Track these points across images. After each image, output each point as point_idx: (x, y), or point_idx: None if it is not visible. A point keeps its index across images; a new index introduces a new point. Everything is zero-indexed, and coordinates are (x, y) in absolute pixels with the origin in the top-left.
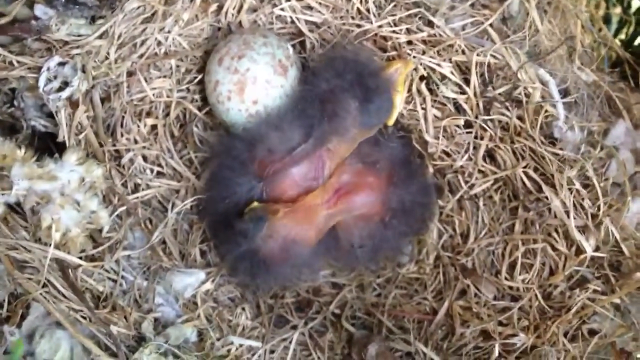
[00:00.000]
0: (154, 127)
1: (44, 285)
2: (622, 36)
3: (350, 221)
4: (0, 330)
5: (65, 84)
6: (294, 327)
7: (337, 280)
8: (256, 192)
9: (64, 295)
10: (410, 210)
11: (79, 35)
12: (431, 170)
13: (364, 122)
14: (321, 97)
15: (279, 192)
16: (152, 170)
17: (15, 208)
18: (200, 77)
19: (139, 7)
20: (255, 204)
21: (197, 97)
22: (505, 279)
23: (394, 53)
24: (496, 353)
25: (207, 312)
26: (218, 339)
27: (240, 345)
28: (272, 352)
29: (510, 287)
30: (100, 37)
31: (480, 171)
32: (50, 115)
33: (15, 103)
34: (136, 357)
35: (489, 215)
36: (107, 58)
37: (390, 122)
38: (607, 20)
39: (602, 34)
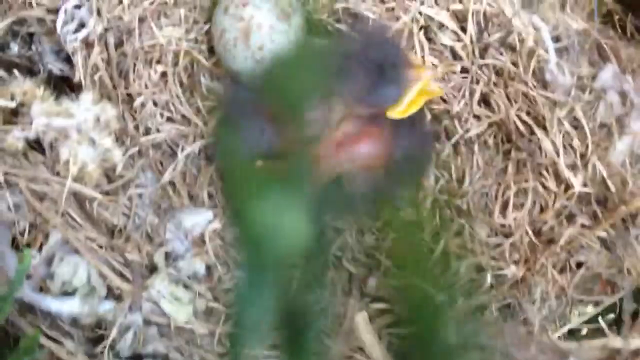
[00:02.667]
0: (163, 74)
1: (62, 215)
2: None
3: (353, 171)
4: (22, 255)
5: (81, 26)
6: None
7: (338, 224)
8: (266, 136)
9: (80, 225)
10: (412, 159)
11: None
12: (429, 116)
13: (364, 101)
14: (339, 60)
15: (285, 138)
16: (162, 115)
17: (34, 146)
18: (207, 27)
19: None
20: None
21: (204, 47)
22: (498, 217)
23: (392, 4)
24: (488, 281)
25: (215, 249)
26: (225, 274)
27: None
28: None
29: (503, 225)
30: None
31: (475, 116)
32: (66, 60)
33: (33, 47)
34: (149, 282)
35: (483, 159)
36: (120, 2)
37: (391, 114)
38: None
39: None
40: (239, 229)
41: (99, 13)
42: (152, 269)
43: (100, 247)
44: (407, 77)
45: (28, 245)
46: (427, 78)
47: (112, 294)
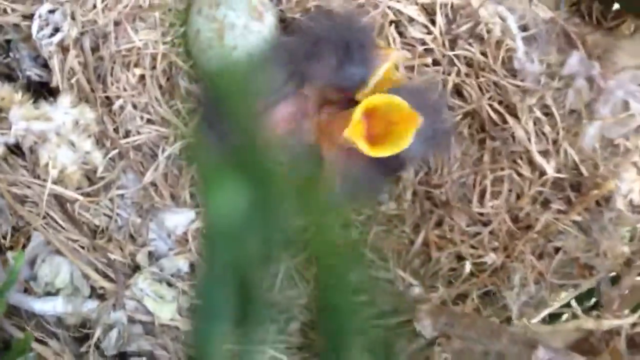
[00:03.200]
0: (142, 77)
1: (44, 217)
2: None
3: (335, 157)
4: (5, 257)
5: (56, 30)
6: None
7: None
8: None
9: (62, 227)
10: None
11: None
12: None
13: (332, 82)
14: (308, 43)
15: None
16: (142, 118)
17: (14, 150)
18: (183, 30)
19: None
20: None
21: (181, 49)
22: (477, 206)
23: (363, 0)
24: (467, 269)
25: (197, 247)
26: None
27: None
28: None
29: (481, 214)
30: None
31: (449, 107)
32: (44, 66)
33: (11, 54)
34: (132, 281)
35: (460, 149)
36: (94, 7)
37: (358, 97)
38: None
39: None
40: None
41: (73, 17)
42: (135, 268)
43: (83, 247)
44: (374, 58)
45: (11, 247)
46: (394, 59)
47: (96, 294)
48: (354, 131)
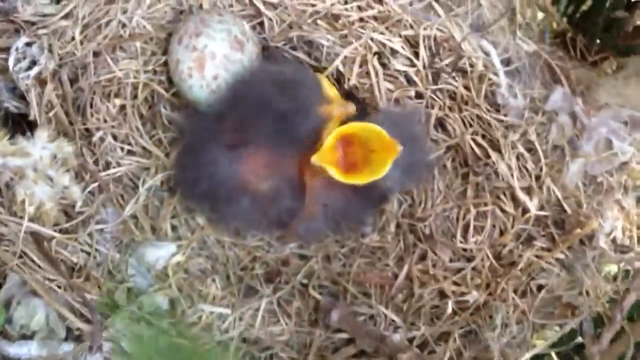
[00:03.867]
0: (122, 107)
1: (20, 257)
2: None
3: (318, 183)
4: None
5: (34, 63)
6: (263, 296)
7: (304, 252)
8: (225, 160)
9: (39, 266)
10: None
11: (44, 16)
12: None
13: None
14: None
15: (249, 163)
16: (122, 149)
17: None
18: (165, 59)
19: None
20: None
21: (163, 78)
22: (460, 241)
23: (345, 31)
24: (449, 309)
25: (178, 283)
26: (189, 307)
27: (211, 313)
28: (241, 319)
29: (464, 249)
30: (65, 17)
31: (432, 140)
32: (22, 97)
33: None
34: (109, 322)
35: (443, 182)
36: (73, 39)
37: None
38: None
39: (543, 6)
40: None
41: (50, 50)
42: (114, 306)
43: (59, 287)
44: (320, 114)
45: None
46: (339, 113)
47: (72, 335)
48: (323, 157)
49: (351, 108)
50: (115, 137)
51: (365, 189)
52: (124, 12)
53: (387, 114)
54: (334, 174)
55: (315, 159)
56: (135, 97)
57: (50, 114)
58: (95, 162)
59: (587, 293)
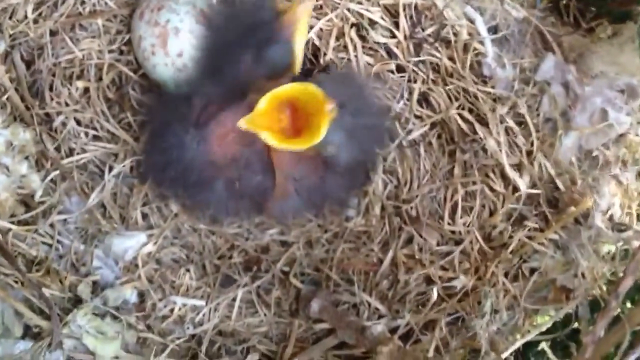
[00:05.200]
0: (86, 90)
1: None
2: None
3: (288, 160)
4: None
5: None
6: (240, 286)
7: (286, 238)
8: (193, 141)
9: None
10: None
11: None
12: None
13: (261, 73)
14: (220, 49)
15: (216, 139)
16: (87, 134)
17: None
18: (129, 36)
19: None
20: None
21: (131, 58)
22: (448, 223)
23: (320, 1)
24: (434, 296)
25: (148, 274)
26: (160, 300)
27: (184, 305)
28: (216, 310)
29: (453, 232)
30: None
31: (416, 116)
32: None
33: None
34: (70, 318)
35: (430, 161)
36: (25, 17)
37: (295, 70)
38: None
39: None
40: None
41: (0, 30)
42: (76, 302)
43: (16, 282)
44: (283, 25)
45: None
46: (304, 12)
47: (30, 333)
48: (253, 120)
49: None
50: (78, 122)
51: (334, 163)
52: None
53: (329, 74)
54: (268, 139)
55: (242, 122)
56: (100, 79)
57: (4, 98)
58: (57, 149)
59: (583, 275)
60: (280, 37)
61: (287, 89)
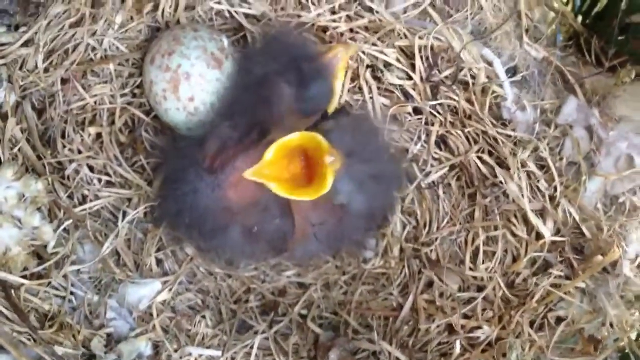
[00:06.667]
0: (99, 135)
1: None
2: (586, 7)
3: (306, 205)
4: None
5: None
6: (258, 332)
7: (303, 280)
8: (207, 188)
9: (7, 317)
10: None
11: (2, 45)
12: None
13: (300, 109)
14: (256, 82)
15: (231, 185)
16: (100, 180)
17: None
18: (142, 79)
19: (64, 12)
20: None
21: (144, 101)
22: (470, 269)
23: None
24: (458, 349)
25: (163, 323)
26: (175, 351)
27: (200, 356)
28: (233, 359)
29: (475, 277)
30: (25, 45)
31: (434, 158)
32: None
33: None
34: None
35: (449, 203)
36: (36, 67)
37: (330, 109)
38: None
39: (554, 5)
40: None
41: (10, 81)
42: (91, 357)
43: (29, 339)
44: (326, 64)
45: None
46: (345, 55)
47: None
48: (260, 171)
49: (354, 46)
50: (91, 169)
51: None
52: (93, 34)
53: (339, 120)
54: (276, 190)
55: (249, 173)
56: (112, 123)
57: (15, 150)
58: (70, 197)
59: (612, 325)
60: (323, 74)
61: (294, 138)
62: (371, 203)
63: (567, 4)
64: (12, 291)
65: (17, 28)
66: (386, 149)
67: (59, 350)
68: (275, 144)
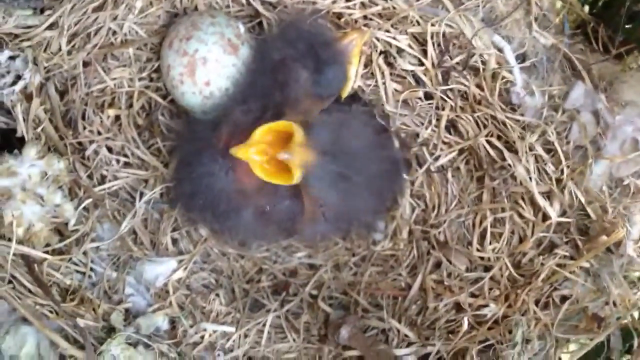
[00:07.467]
0: (117, 117)
1: (9, 282)
2: None
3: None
4: None
5: (18, 78)
6: (270, 311)
7: (313, 261)
8: (221, 170)
9: (29, 291)
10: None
11: (28, 27)
12: (397, 144)
13: (315, 93)
14: (273, 66)
15: (244, 167)
16: (118, 161)
17: None
18: (159, 63)
19: None
20: None
21: (160, 85)
22: (477, 249)
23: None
24: (465, 326)
25: (179, 300)
26: (191, 326)
27: (214, 331)
28: (246, 336)
29: (482, 258)
30: (50, 28)
31: (444, 142)
32: (10, 112)
33: None
34: (104, 348)
35: (457, 186)
36: (59, 50)
37: (344, 93)
38: None
39: None
40: None
41: (35, 62)
42: (110, 330)
43: (51, 312)
44: (341, 49)
45: None
46: (360, 41)
47: None
48: (243, 150)
49: (367, 32)
50: (110, 149)
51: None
52: (114, 18)
53: (331, 117)
54: (254, 169)
55: (232, 150)
56: (130, 106)
57: (39, 130)
58: (90, 177)
59: (614, 303)
60: (338, 60)
61: (279, 124)
62: (345, 201)
63: None
64: (35, 265)
65: (42, 11)
66: (373, 153)
67: (81, 322)
68: (261, 127)
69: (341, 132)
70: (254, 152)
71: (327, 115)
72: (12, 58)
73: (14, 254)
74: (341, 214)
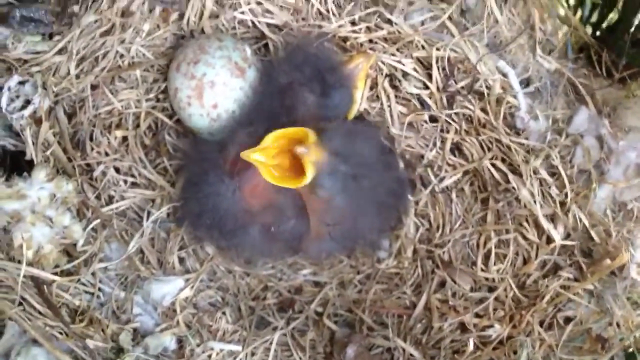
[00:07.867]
0: (124, 138)
1: (20, 304)
2: (594, 19)
3: (315, 201)
4: None
5: (27, 102)
6: (276, 329)
7: (319, 278)
8: (228, 190)
9: (39, 312)
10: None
11: (37, 53)
12: (402, 165)
13: (321, 116)
14: (280, 90)
15: (250, 188)
16: (125, 182)
17: None
18: (166, 84)
19: (95, 21)
20: None
21: (167, 105)
22: (481, 269)
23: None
24: (471, 346)
25: (186, 319)
26: (198, 345)
27: (221, 350)
28: (253, 354)
29: (486, 278)
30: (59, 53)
31: (448, 164)
32: (19, 135)
33: None
34: None
35: (462, 207)
36: (68, 74)
37: (350, 116)
38: (582, 2)
39: (565, 18)
40: None
41: (44, 87)
42: (119, 350)
43: (61, 333)
44: (347, 73)
45: None
46: (366, 65)
47: None
48: (250, 154)
49: (373, 56)
50: (117, 170)
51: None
52: (122, 42)
53: (342, 125)
54: (263, 173)
55: (242, 154)
56: (137, 126)
57: (48, 153)
58: (98, 197)
59: (618, 325)
60: (344, 84)
61: (290, 130)
62: (355, 203)
63: (575, 13)
64: (45, 287)
65: (51, 36)
66: (383, 161)
67: (90, 343)
68: (272, 133)
69: (352, 138)
70: (264, 155)
71: (338, 124)
72: (21, 83)
73: (24, 276)
74: (346, 232)
